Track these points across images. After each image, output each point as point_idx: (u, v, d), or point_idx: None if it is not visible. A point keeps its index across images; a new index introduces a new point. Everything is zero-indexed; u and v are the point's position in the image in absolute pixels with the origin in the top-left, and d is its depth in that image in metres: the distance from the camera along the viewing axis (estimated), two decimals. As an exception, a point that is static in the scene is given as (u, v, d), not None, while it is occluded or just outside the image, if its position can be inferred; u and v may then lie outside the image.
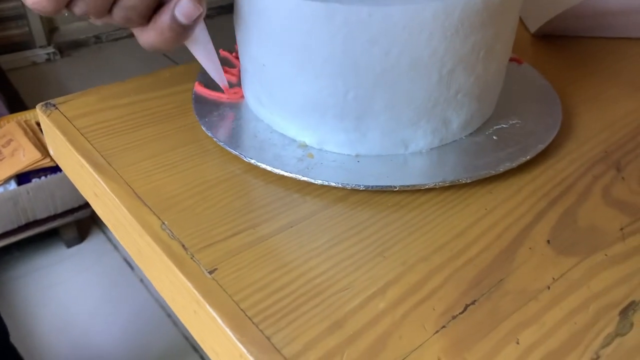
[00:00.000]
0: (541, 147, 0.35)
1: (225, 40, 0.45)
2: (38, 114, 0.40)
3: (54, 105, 0.40)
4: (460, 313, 0.26)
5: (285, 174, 0.33)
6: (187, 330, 1.24)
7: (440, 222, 0.31)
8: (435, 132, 0.34)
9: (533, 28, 0.53)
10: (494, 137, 0.36)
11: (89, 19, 0.30)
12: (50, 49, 2.09)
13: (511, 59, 0.44)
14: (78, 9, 0.29)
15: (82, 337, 1.21)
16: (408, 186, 0.32)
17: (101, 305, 1.28)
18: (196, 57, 0.35)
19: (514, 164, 0.34)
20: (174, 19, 0.30)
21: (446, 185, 0.32)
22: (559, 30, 0.52)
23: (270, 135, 0.36)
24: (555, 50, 0.51)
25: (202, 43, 0.34)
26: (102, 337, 1.22)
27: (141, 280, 1.33)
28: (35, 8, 0.28)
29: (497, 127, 0.37)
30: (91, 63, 2.14)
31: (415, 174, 0.33)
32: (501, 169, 0.33)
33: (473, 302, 0.26)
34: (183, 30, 0.31)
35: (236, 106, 0.39)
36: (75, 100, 0.40)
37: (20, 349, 0.90)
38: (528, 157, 0.34)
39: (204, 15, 0.31)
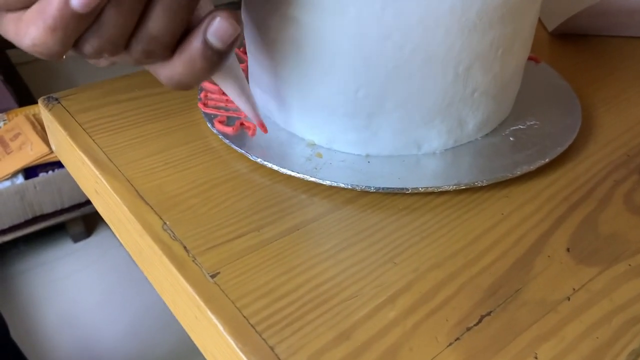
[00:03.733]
0: (560, 149, 0.34)
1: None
2: (40, 107, 0.39)
3: (57, 99, 0.38)
4: (475, 324, 0.24)
5: (293, 174, 0.31)
6: (192, 328, 1.24)
7: (454, 227, 0.29)
8: (449, 132, 0.33)
9: (551, 27, 0.51)
10: (511, 139, 0.35)
11: (96, 58, 0.25)
12: (61, 43, 2.08)
13: (528, 58, 0.42)
14: (89, 46, 0.23)
15: (87, 332, 1.21)
16: (421, 188, 0.30)
17: (107, 301, 1.28)
18: (226, 91, 0.30)
19: (532, 167, 0.32)
20: (206, 44, 0.24)
21: (461, 188, 0.31)
22: (578, 29, 0.51)
23: (278, 134, 0.35)
24: (574, 49, 0.49)
25: (233, 75, 0.29)
26: (107, 332, 1.21)
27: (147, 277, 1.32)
28: (36, 51, 0.23)
29: (514, 128, 0.36)
30: (101, 57, 2.13)
31: (428, 176, 0.31)
32: (518, 172, 0.32)
33: (488, 313, 0.25)
34: (218, 58, 0.25)
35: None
36: (78, 94, 0.39)
37: (25, 343, 0.89)
38: (547, 160, 0.33)
39: (241, 36, 0.25)
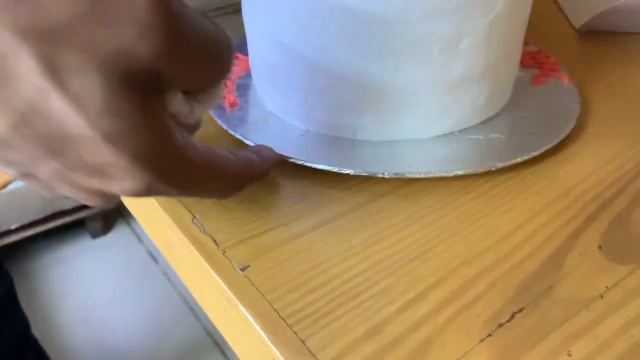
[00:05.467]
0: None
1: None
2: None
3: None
4: (507, 321, 0.24)
5: (319, 166, 0.31)
6: (209, 325, 1.24)
7: (484, 223, 0.29)
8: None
9: (578, 23, 0.50)
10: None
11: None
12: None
13: (553, 75, 0.41)
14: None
15: (104, 328, 1.22)
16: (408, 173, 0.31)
17: (124, 297, 1.29)
18: None
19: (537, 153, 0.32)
20: None
21: (476, 172, 0.31)
22: (607, 26, 0.50)
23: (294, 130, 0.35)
24: (603, 47, 0.48)
25: None
26: (124, 328, 1.22)
27: (164, 274, 1.33)
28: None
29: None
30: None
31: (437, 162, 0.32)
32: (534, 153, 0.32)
33: (520, 310, 0.25)
34: None
35: (244, 95, 0.37)
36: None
37: (43, 338, 0.90)
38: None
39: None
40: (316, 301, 0.25)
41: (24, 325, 0.83)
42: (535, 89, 0.40)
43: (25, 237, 1.25)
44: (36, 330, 0.88)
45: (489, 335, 0.24)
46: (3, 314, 0.76)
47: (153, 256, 1.37)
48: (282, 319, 0.24)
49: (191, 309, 1.26)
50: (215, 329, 1.20)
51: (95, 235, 1.40)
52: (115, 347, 1.19)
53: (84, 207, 1.29)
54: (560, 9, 0.54)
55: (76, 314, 1.24)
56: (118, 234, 1.43)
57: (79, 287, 1.30)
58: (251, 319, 0.24)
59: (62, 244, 1.39)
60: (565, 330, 0.24)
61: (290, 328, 0.23)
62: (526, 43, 0.41)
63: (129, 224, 1.45)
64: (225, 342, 1.18)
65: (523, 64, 0.42)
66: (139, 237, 1.41)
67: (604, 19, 0.48)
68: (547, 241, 0.28)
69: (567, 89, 0.40)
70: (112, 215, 1.44)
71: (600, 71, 0.44)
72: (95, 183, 0.20)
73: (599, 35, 0.50)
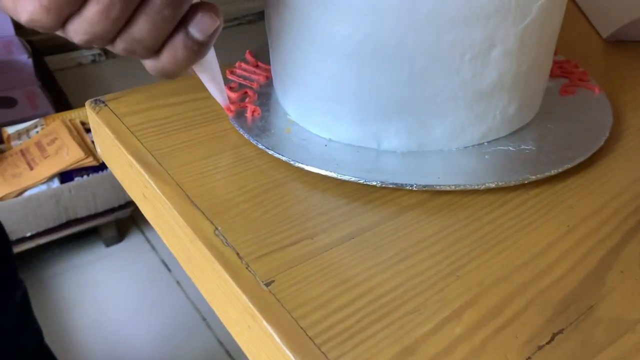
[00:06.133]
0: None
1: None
2: (87, 110, 0.39)
3: (104, 102, 0.38)
4: (547, 343, 0.23)
5: (345, 178, 0.30)
6: (222, 334, 1.23)
7: (518, 239, 0.28)
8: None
9: (605, 33, 0.49)
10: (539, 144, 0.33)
11: (87, 47, 0.26)
12: (96, 51, 2.12)
13: (583, 85, 0.40)
14: (79, 38, 0.25)
15: (117, 336, 1.21)
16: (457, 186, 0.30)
17: (137, 306, 1.28)
18: (201, 78, 0.31)
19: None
20: (188, 36, 0.26)
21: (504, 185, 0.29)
22: (635, 36, 0.49)
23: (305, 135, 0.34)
24: (632, 56, 0.47)
25: (209, 64, 0.30)
26: (136, 337, 1.21)
27: (178, 282, 1.33)
28: (34, 25, 0.24)
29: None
30: (134, 65, 2.15)
31: (467, 174, 0.31)
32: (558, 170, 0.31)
33: (561, 331, 0.23)
34: (199, 48, 0.26)
35: (266, 105, 0.37)
36: (125, 97, 0.39)
37: (56, 346, 0.90)
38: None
39: (221, 28, 0.27)
40: (345, 319, 0.24)
41: (38, 334, 0.83)
42: (565, 99, 0.39)
43: (40, 245, 1.25)
44: (48, 338, 0.87)
45: (529, 358, 0.22)
46: (18, 322, 0.75)
47: (166, 264, 1.37)
48: (310, 338, 0.23)
49: (204, 318, 1.25)
50: (228, 339, 1.19)
51: (109, 243, 1.40)
52: (127, 355, 1.18)
53: (98, 215, 1.29)
54: (586, 18, 0.53)
55: (89, 321, 1.24)
56: (132, 242, 1.42)
57: (93, 295, 1.30)
58: (277, 338, 0.23)
59: (76, 251, 1.39)
60: (609, 354, 0.23)
61: (319, 348, 0.22)
62: (554, 52, 0.40)
63: (142, 232, 1.44)
64: (237, 353, 1.17)
65: (551, 73, 0.40)
66: (153, 246, 1.41)
67: (632, 29, 0.47)
68: (585, 258, 0.27)
69: (598, 99, 0.38)
70: (126, 224, 1.44)
71: (630, 81, 0.43)
72: None
73: (627, 45, 0.49)
